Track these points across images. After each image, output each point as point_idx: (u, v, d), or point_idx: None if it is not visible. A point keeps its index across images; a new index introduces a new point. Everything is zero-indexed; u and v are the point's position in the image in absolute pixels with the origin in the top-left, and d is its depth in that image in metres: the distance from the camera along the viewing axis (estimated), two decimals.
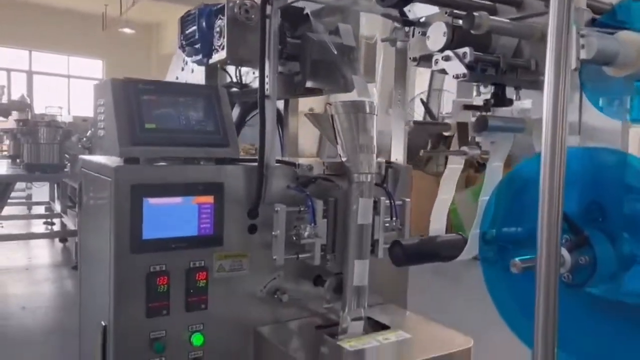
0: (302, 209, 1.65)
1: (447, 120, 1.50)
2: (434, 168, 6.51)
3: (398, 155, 1.92)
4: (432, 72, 6.69)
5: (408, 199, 1.92)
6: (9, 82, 13.98)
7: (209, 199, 1.58)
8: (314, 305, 1.80)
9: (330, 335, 1.65)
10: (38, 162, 5.18)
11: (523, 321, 1.25)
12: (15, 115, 6.39)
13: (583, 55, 0.90)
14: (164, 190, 1.51)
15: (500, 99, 1.16)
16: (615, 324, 1.02)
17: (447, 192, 1.40)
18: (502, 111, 1.19)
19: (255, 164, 1.62)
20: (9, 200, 7.23)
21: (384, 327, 1.71)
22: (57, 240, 6.49)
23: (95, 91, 1.69)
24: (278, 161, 1.70)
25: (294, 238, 1.64)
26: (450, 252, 1.29)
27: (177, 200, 1.53)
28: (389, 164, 1.90)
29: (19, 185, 9.40)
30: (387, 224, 1.77)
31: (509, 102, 1.17)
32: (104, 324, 1.55)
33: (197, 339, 1.58)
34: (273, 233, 1.62)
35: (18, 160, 6.07)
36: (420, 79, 7.40)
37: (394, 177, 1.91)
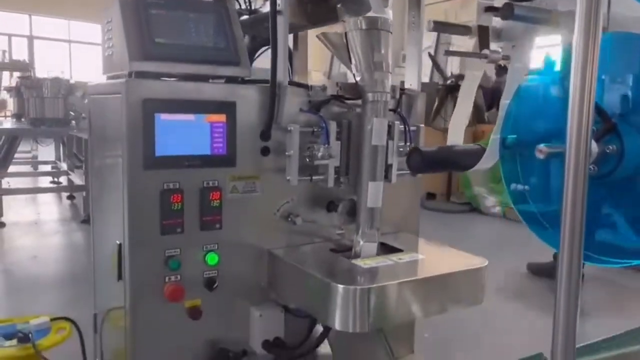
0: (315, 130, 1.62)
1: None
2: (442, 124, 6.45)
3: (412, 80, 1.88)
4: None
5: (422, 125, 1.89)
6: (10, 48, 13.85)
7: (221, 117, 1.55)
8: (327, 231, 1.80)
9: (347, 257, 1.65)
10: (43, 116, 5.16)
11: (543, 223, 1.24)
12: (18, 74, 6.35)
13: None
14: (176, 106, 1.48)
15: None
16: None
17: (466, 101, 1.37)
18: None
19: (267, 84, 1.59)
20: (15, 160, 7.26)
21: (397, 251, 1.71)
22: (64, 197, 6.52)
23: (104, 14, 1.64)
24: (290, 83, 1.67)
25: (308, 160, 1.62)
26: (469, 161, 1.27)
27: (190, 117, 1.51)
28: (402, 90, 1.87)
29: (25, 146, 9.44)
30: (401, 149, 1.74)
31: None
32: (118, 242, 1.55)
33: (211, 259, 1.58)
34: (287, 153, 1.61)
35: (23, 119, 6.05)
36: (426, 34, 7.28)
37: (408, 103, 1.88)
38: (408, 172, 1.84)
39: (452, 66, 6.70)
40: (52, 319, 2.01)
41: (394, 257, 1.64)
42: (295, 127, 1.58)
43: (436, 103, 6.58)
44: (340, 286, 1.38)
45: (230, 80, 1.60)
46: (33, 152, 8.81)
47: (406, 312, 1.46)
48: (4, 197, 5.16)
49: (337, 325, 1.40)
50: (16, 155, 7.80)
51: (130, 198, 1.47)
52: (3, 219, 5.01)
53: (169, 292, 1.51)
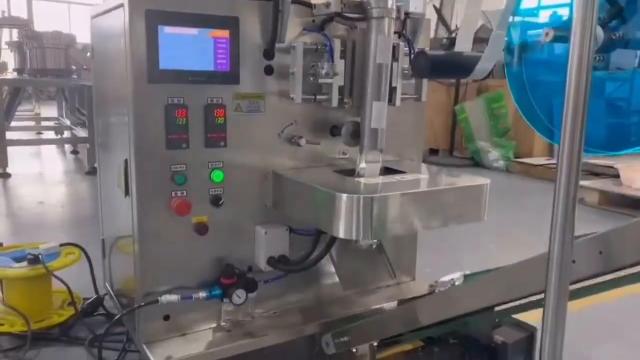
0: (319, 47, 1.62)
1: None
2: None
3: (418, 3, 1.86)
4: None
5: (428, 48, 1.88)
6: (9, 8, 13.65)
7: (225, 33, 1.54)
8: (331, 155, 1.81)
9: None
10: (44, 67, 5.13)
11: (544, 119, 1.24)
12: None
13: None
14: (179, 19, 1.47)
15: None
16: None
17: (474, 6, 1.34)
18: None
19: (270, 1, 1.57)
20: (19, 117, 7.26)
21: (400, 173, 1.72)
22: (68, 152, 6.55)
23: None
24: (293, 1, 1.65)
25: (312, 78, 1.62)
26: (473, 65, 1.26)
27: (193, 31, 1.50)
28: (407, 14, 1.84)
29: (28, 106, 9.42)
30: (406, 72, 1.73)
31: None
32: (125, 158, 1.56)
33: (216, 176, 1.60)
34: (290, 70, 1.61)
35: (25, 74, 6.01)
36: None
37: (412, 27, 1.85)
38: (413, 95, 1.85)
39: (457, 19, 6.57)
40: (61, 245, 2.05)
41: (397, 177, 1.65)
42: (299, 43, 1.57)
43: None
44: (345, 195, 1.39)
45: None
46: (36, 110, 8.80)
47: (408, 224, 1.48)
48: (10, 152, 5.19)
49: (342, 233, 1.42)
50: (19, 114, 7.83)
51: (135, 112, 1.48)
52: (8, 170, 5.04)
53: (175, 205, 1.53)
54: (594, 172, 5.02)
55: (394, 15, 1.60)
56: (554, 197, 0.91)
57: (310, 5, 1.66)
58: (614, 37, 0.98)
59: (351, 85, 1.68)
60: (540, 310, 0.92)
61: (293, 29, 1.63)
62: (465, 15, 1.40)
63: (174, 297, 1.57)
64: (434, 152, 6.72)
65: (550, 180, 4.97)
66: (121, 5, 1.47)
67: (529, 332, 1.47)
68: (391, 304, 1.88)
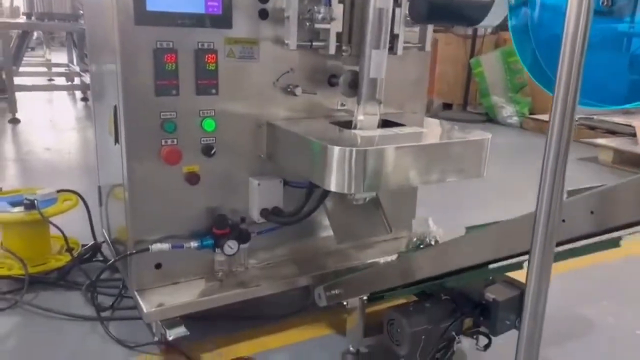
0: None
1: None
2: (462, 29, 6.17)
3: None
4: None
5: None
6: None
7: None
8: (328, 106, 1.75)
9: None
10: (50, 11, 5.05)
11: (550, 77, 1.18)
12: None
13: None
14: None
15: None
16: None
17: None
18: None
19: None
20: (29, 63, 7.22)
21: (399, 126, 1.66)
22: (79, 100, 6.54)
23: None
24: None
25: (308, 24, 1.54)
26: (476, 14, 1.19)
27: None
28: None
29: (39, 52, 9.36)
30: (409, 19, 1.64)
31: None
32: (114, 104, 1.53)
33: (208, 125, 1.56)
34: (285, 14, 1.53)
35: (33, 18, 5.93)
36: None
37: None
38: (416, 44, 1.77)
39: None
40: (59, 191, 2.05)
41: (395, 129, 1.60)
42: None
43: None
44: (337, 148, 1.35)
45: None
46: (47, 56, 8.73)
47: (403, 177, 1.43)
48: (21, 98, 5.18)
49: (334, 186, 1.38)
50: (30, 60, 7.78)
51: (122, 55, 1.42)
52: (18, 116, 5.05)
53: (165, 153, 1.50)
54: (612, 131, 4.88)
55: None
56: (544, 153, 0.86)
57: None
58: None
59: (350, 32, 1.60)
60: None
61: None
62: None
63: (165, 246, 1.56)
64: (447, 106, 6.58)
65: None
66: None
67: (520, 290, 1.44)
68: (387, 258, 1.86)
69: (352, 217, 1.79)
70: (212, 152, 1.58)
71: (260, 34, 1.58)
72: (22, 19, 6.58)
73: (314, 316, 1.81)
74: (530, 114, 5.79)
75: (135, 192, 1.54)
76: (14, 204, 1.94)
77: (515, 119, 5.71)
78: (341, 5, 1.55)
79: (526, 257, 0.98)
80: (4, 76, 5.18)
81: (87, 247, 2.07)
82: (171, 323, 1.54)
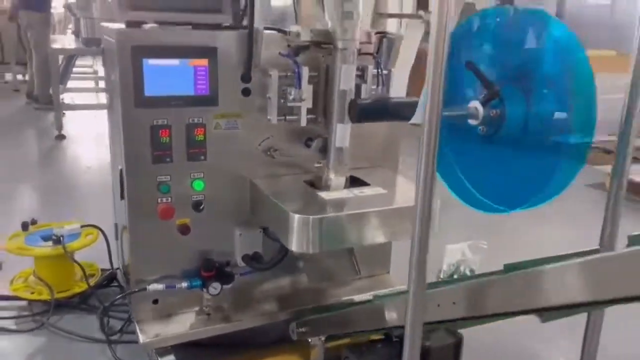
0: (288, 74, 1.79)
1: None
2: None
3: (394, 25, 1.97)
4: None
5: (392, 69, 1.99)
6: None
7: (204, 61, 1.75)
8: (306, 164, 2.00)
9: (317, 189, 1.87)
10: (94, 36, 5.47)
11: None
12: None
13: None
14: (161, 52, 1.68)
15: None
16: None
17: (407, 57, 1.48)
18: None
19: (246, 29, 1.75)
20: (77, 76, 7.75)
21: (365, 185, 1.90)
22: None
23: None
24: (270, 28, 1.82)
25: (282, 101, 1.81)
26: (406, 112, 1.41)
27: (174, 62, 1.71)
28: (384, 34, 1.96)
29: (86, 61, 9.96)
30: (374, 92, 1.88)
31: None
32: (120, 167, 1.83)
33: (197, 185, 1.84)
34: (267, 95, 1.79)
35: (80, 37, 6.41)
36: None
37: (388, 47, 1.97)
38: None
39: None
40: (83, 226, 2.39)
41: (357, 191, 1.84)
42: (274, 72, 1.75)
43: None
44: (297, 215, 1.61)
45: (214, 27, 1.78)
46: (94, 67, 9.28)
47: (354, 239, 1.68)
48: (67, 112, 5.62)
49: (294, 247, 1.65)
50: (78, 70, 8.31)
51: (125, 131, 1.73)
52: (64, 132, 5.51)
53: (160, 210, 1.80)
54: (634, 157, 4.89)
55: (357, 46, 1.74)
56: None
57: (284, 32, 1.82)
58: (492, 114, 1.12)
59: (324, 106, 1.85)
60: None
61: (268, 51, 1.80)
62: (400, 61, 1.52)
63: (160, 286, 1.86)
64: None
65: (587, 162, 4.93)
66: (113, 40, 1.69)
67: (457, 339, 1.66)
68: (361, 296, 2.10)
69: (323, 259, 2.05)
70: (201, 207, 1.87)
71: (243, 108, 1.85)
72: (71, 38, 7.10)
73: (293, 346, 2.07)
74: None
75: (136, 240, 1.85)
76: (44, 239, 2.29)
77: None
78: (311, 86, 1.81)
79: None
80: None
81: (105, 275, 2.41)
82: (162, 351, 1.84)
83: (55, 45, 5.93)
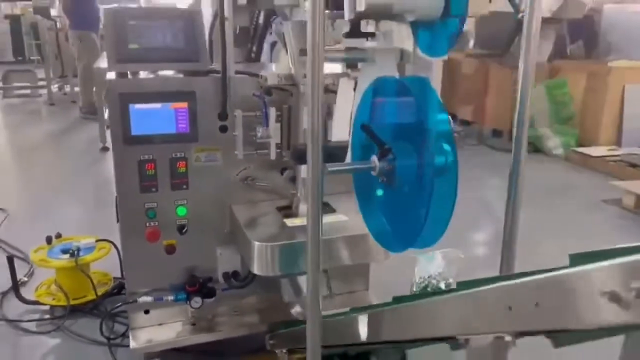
0: (257, 114, 2.01)
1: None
2: (511, 60, 6.26)
3: None
4: None
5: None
6: None
7: (184, 104, 2.00)
8: (283, 190, 2.21)
9: (287, 215, 2.08)
10: None
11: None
12: None
13: (359, 7, 1.12)
14: (145, 98, 1.95)
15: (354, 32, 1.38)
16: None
17: (344, 102, 1.64)
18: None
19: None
20: None
21: (331, 211, 2.09)
22: None
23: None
24: (244, 72, 2.05)
25: (254, 137, 2.03)
26: (341, 155, 1.60)
27: (157, 105, 1.97)
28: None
29: None
30: None
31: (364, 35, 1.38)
32: (115, 194, 2.11)
33: (181, 211, 2.10)
34: (234, 133, 2.02)
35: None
36: None
37: None
38: None
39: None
40: (97, 240, 2.71)
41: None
42: (239, 112, 1.98)
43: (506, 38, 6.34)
44: (256, 242, 1.83)
45: (193, 74, 2.02)
46: None
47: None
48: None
49: (256, 270, 1.87)
50: None
51: (116, 165, 2.00)
52: (107, 145, 5.98)
53: (147, 234, 2.06)
54: None
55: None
56: None
57: (256, 75, 2.05)
58: (387, 167, 1.30)
59: (288, 142, 2.06)
60: None
61: (242, 92, 2.03)
62: (336, 109, 1.69)
63: (149, 299, 2.12)
64: (497, 133, 6.69)
65: (609, 174, 4.88)
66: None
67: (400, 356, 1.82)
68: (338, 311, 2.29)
69: (299, 278, 2.25)
70: (184, 230, 2.12)
71: (221, 143, 2.08)
72: None
73: (269, 356, 2.29)
74: (579, 145, 5.79)
75: (128, 258, 2.12)
76: (64, 252, 2.62)
77: (560, 151, 5.74)
78: (279, 125, 2.02)
79: None
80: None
81: (115, 284, 2.71)
82: (149, 356, 2.11)
83: (97, 64, 6.42)
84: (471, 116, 7.18)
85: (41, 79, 9.48)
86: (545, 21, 6.16)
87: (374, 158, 1.32)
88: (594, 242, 3.92)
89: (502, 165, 6.14)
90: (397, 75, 1.35)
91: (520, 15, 5.28)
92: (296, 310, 2.30)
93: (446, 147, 1.19)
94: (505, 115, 6.49)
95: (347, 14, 1.15)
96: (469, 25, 6.79)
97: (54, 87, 9.56)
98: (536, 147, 6.03)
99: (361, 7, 1.12)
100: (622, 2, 7.46)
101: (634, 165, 4.97)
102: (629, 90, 5.60)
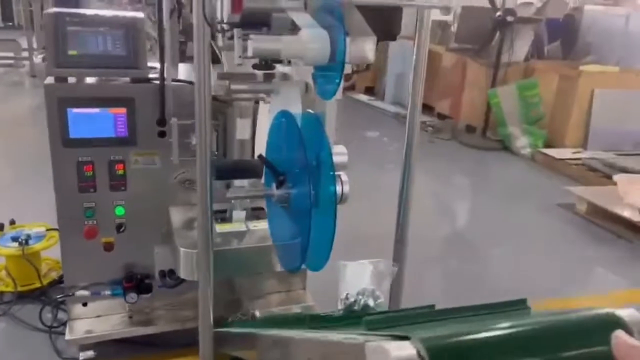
0: (194, 121, 2.08)
1: None
2: (488, 57, 6.32)
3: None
4: None
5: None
6: None
7: (122, 110, 2.06)
8: (221, 194, 2.30)
9: (222, 219, 2.17)
10: None
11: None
12: None
13: (248, 53, 1.19)
14: (83, 102, 2.01)
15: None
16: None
17: (264, 122, 1.73)
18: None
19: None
20: None
21: (264, 218, 2.19)
22: None
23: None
24: (180, 80, 2.12)
25: (189, 144, 2.10)
26: (255, 172, 1.69)
27: (95, 110, 2.04)
28: None
29: None
30: None
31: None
32: (55, 194, 2.19)
33: (119, 211, 2.18)
34: (169, 139, 2.10)
35: None
36: None
37: None
38: None
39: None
40: (48, 229, 2.79)
41: (251, 224, 2.13)
42: (174, 120, 2.05)
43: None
44: (182, 249, 1.92)
45: (134, 80, 2.08)
46: None
47: (227, 271, 1.98)
48: None
49: (182, 274, 1.97)
50: None
51: (54, 166, 2.07)
52: None
53: (84, 232, 2.15)
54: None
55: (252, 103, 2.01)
56: None
57: (192, 83, 2.11)
58: (285, 195, 1.39)
59: (224, 150, 2.14)
60: None
61: (180, 99, 2.09)
62: (258, 126, 1.77)
63: (85, 292, 2.22)
64: (471, 128, 6.78)
65: (570, 177, 5.02)
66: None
67: None
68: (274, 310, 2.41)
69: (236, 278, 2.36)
70: (122, 229, 2.21)
71: (159, 147, 2.16)
72: None
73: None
74: (547, 146, 5.90)
75: (67, 254, 2.21)
76: (14, 239, 2.70)
77: (527, 151, 5.85)
78: (216, 133, 2.10)
79: None
80: None
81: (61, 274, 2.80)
82: (84, 347, 2.22)
83: None
84: (448, 110, 7.26)
85: (25, 50, 9.38)
86: (524, 21, 6.21)
87: (273, 186, 1.40)
88: (535, 245, 4.04)
89: (465, 161, 6.28)
90: (300, 107, 1.43)
91: (497, 14, 5.33)
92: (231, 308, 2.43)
93: (325, 181, 1.28)
94: (480, 112, 6.58)
95: (237, 59, 1.23)
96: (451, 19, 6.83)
97: (37, 59, 9.48)
98: (505, 146, 6.14)
99: (250, 52, 1.19)
100: (604, 4, 7.51)
101: (593, 170, 5.09)
102: (598, 94, 5.69)
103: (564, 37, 6.98)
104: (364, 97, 8.46)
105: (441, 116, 7.33)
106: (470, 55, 6.66)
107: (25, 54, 9.34)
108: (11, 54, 9.63)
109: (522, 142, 5.90)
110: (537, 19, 6.48)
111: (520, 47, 6.32)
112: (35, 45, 9.27)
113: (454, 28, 7.13)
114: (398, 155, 1.97)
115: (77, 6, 7.21)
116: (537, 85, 5.83)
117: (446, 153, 6.07)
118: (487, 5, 6.18)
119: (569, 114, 5.82)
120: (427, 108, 7.20)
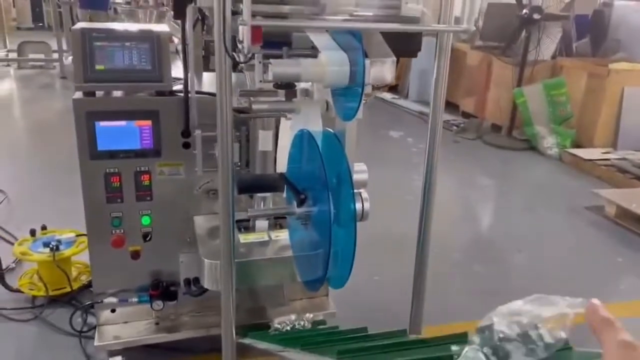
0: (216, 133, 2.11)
1: None
2: (513, 56, 6.22)
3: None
4: None
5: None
6: None
7: (148, 122, 2.11)
8: (245, 204, 2.33)
9: (245, 228, 2.20)
10: None
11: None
12: None
13: (269, 77, 1.21)
14: (110, 116, 2.06)
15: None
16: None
17: (285, 139, 1.75)
18: None
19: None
20: None
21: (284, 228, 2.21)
22: None
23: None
24: (204, 93, 2.15)
25: (213, 155, 2.14)
26: (276, 187, 1.71)
27: (122, 123, 2.08)
28: None
29: None
30: None
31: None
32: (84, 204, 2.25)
33: (145, 220, 2.23)
34: (194, 151, 2.13)
35: None
36: None
37: None
38: None
39: None
40: (78, 235, 2.87)
41: (273, 234, 2.15)
42: (198, 132, 2.08)
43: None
44: (206, 260, 1.96)
45: (158, 94, 2.12)
46: None
47: (250, 280, 2.01)
48: None
49: (206, 284, 2.01)
50: None
51: (83, 178, 2.13)
52: None
53: (112, 241, 2.21)
54: None
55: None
56: None
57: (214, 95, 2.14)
58: (306, 213, 1.41)
59: (247, 161, 2.17)
60: None
61: (204, 111, 2.12)
62: (280, 143, 1.79)
63: (113, 299, 2.29)
64: (497, 128, 6.69)
65: (599, 179, 4.95)
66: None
67: None
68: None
69: (257, 290, 2.40)
70: (149, 238, 2.26)
71: (184, 158, 2.20)
72: None
73: None
74: (576, 146, 5.78)
75: (96, 263, 2.27)
76: (45, 245, 2.79)
77: (555, 151, 5.75)
78: (238, 144, 2.12)
79: None
80: None
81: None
82: (113, 352, 2.28)
83: None
84: (473, 108, 7.18)
85: (55, 51, 9.60)
86: (552, 17, 6.09)
87: (294, 204, 1.42)
88: (562, 249, 3.97)
89: (490, 161, 6.20)
90: (320, 125, 1.44)
91: (523, 11, 5.24)
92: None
93: (345, 199, 1.29)
94: (505, 110, 6.49)
95: (257, 83, 1.25)
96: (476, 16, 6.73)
97: (67, 60, 9.68)
98: (532, 146, 6.04)
99: (269, 77, 1.21)
100: None
101: (623, 171, 4.98)
102: (628, 92, 5.55)
103: (593, 33, 6.81)
104: (387, 96, 8.42)
105: (466, 114, 7.25)
106: (495, 53, 6.57)
107: (55, 55, 9.57)
108: (42, 56, 9.88)
109: (549, 142, 5.80)
110: (565, 15, 6.34)
111: (548, 44, 6.20)
112: (65, 47, 9.47)
113: (479, 25, 7.03)
114: (423, 157, 1.95)
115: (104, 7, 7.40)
116: (564, 84, 5.72)
117: (471, 153, 6.01)
118: (513, 1, 6.09)
119: (598, 113, 5.70)
120: (451, 106, 7.13)
